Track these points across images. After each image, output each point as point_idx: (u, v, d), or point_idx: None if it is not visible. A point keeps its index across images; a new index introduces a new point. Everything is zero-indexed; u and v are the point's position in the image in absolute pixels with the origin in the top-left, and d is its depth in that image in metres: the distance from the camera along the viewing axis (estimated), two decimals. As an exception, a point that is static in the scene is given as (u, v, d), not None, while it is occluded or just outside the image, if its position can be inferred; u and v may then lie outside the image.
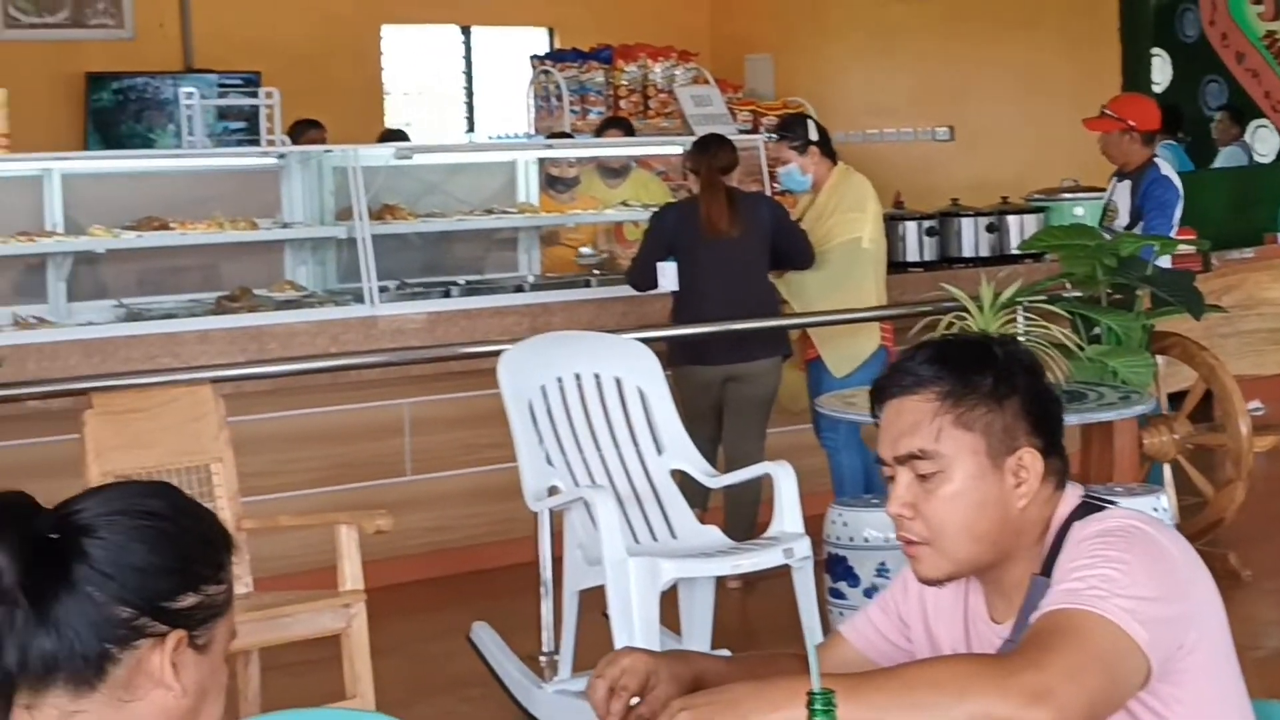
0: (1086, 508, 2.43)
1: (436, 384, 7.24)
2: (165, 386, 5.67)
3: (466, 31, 13.20)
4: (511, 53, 12.97)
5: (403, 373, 7.09)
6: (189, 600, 1.81)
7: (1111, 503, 2.46)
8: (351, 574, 5.14)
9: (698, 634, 5.74)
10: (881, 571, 5.93)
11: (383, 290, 7.24)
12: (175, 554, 1.81)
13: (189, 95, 7.99)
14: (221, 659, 1.86)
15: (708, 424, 6.98)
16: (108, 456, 5.16)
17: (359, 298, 7.19)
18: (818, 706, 2.00)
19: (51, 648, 1.75)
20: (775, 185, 8.75)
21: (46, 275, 6.98)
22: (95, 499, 1.83)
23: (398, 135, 10.55)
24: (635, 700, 2.39)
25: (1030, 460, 2.41)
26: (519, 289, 7.84)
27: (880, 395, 2.49)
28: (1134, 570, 2.27)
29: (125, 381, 5.88)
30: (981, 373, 2.42)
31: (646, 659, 2.43)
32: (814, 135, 7.41)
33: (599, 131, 9.58)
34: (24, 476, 6.29)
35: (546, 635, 5.74)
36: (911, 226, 8.71)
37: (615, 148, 9.05)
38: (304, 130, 9.41)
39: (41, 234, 6.93)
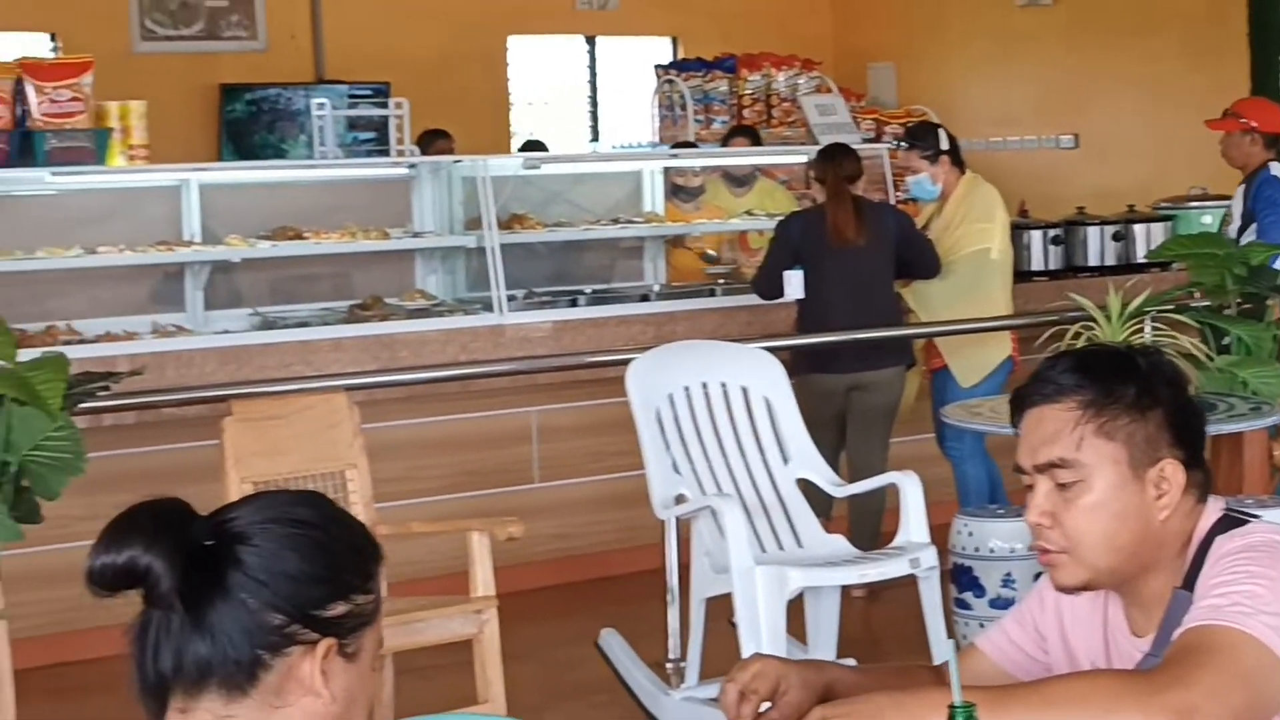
0: (1229, 521, 2.43)
1: (563, 392, 7.31)
2: (301, 394, 5.78)
3: (591, 41, 13.30)
4: (635, 62, 13.04)
5: (530, 380, 7.18)
6: (339, 609, 1.84)
7: (1254, 516, 2.46)
8: (483, 580, 5.21)
9: (823, 643, 5.76)
10: (1008, 582, 5.92)
11: (510, 299, 7.31)
12: (326, 563, 1.84)
13: (320, 106, 8.08)
14: (369, 667, 1.89)
15: (830, 432, 6.98)
16: (246, 463, 5.25)
17: (488, 306, 7.26)
18: (959, 719, 2.02)
19: (206, 653, 1.79)
20: (899, 194, 8.75)
21: (185, 284, 7.12)
22: (248, 507, 1.86)
23: (536, 146, 10.69)
24: (766, 705, 2.41)
25: (1172, 472, 2.41)
26: (644, 298, 7.90)
27: (1021, 404, 2.49)
28: (1279, 586, 2.28)
29: (263, 389, 6.00)
30: (1124, 383, 2.42)
31: (778, 665, 2.45)
32: (945, 144, 7.41)
33: (725, 140, 9.62)
34: (162, 481, 6.43)
35: (673, 642, 5.78)
36: (1036, 235, 8.68)
37: (740, 156, 9.08)
38: (432, 140, 9.53)
39: (180, 243, 7.06)
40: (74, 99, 6.60)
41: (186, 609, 1.78)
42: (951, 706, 2.02)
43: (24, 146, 6.53)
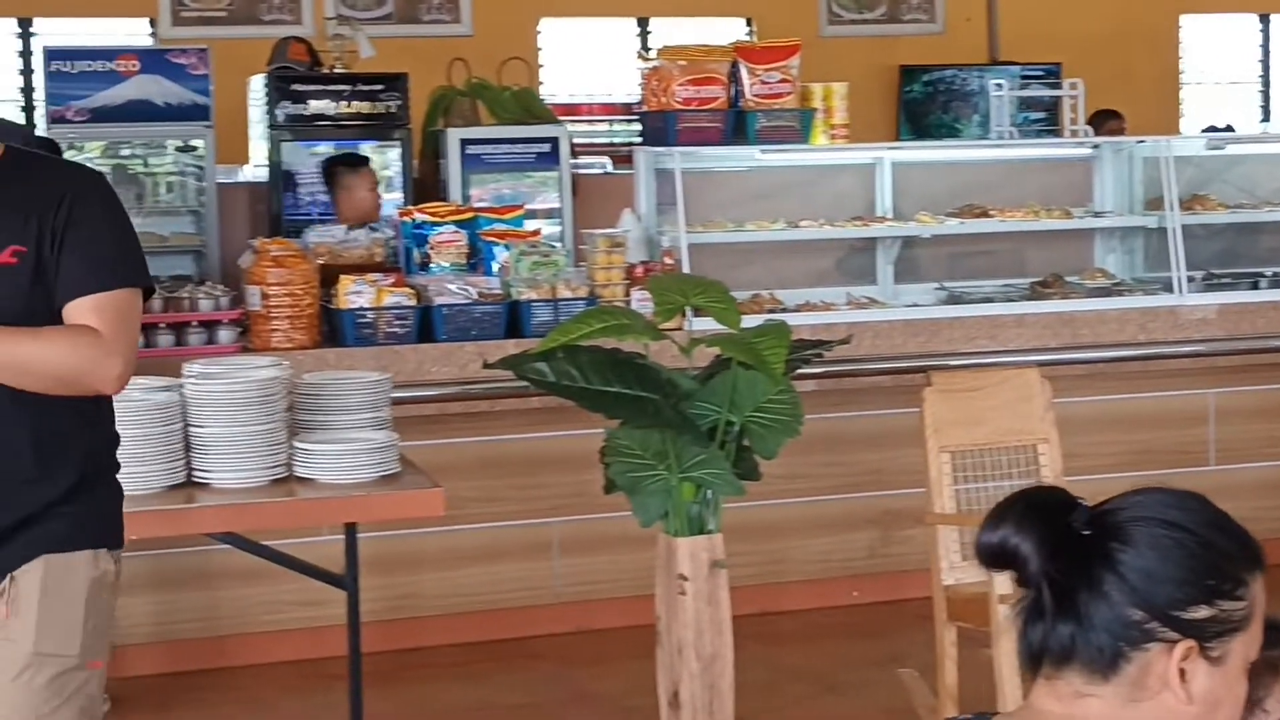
0: None
1: (1241, 375, 7.25)
2: (997, 368, 5.97)
3: (1265, 20, 12.97)
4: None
5: (1208, 363, 7.17)
6: (1202, 612, 1.85)
7: None
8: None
9: None
10: None
11: (1189, 280, 7.32)
12: (1193, 567, 1.87)
13: (998, 86, 8.24)
14: (1239, 674, 1.89)
15: None
16: (944, 431, 5.47)
17: (1166, 286, 7.27)
18: None
19: (1069, 635, 1.88)
20: None
21: (875, 258, 7.44)
22: (1128, 501, 1.91)
23: (1214, 129, 10.57)
24: None
25: None
26: (1330, 282, 7.72)
27: None
28: None
29: (960, 362, 6.25)
30: None
31: None
32: None
33: None
34: (851, 446, 6.75)
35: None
36: None
37: None
38: (1104, 120, 9.53)
39: (873, 219, 7.37)
40: (783, 81, 6.99)
41: (1052, 592, 1.87)
42: None
43: (737, 125, 6.97)
